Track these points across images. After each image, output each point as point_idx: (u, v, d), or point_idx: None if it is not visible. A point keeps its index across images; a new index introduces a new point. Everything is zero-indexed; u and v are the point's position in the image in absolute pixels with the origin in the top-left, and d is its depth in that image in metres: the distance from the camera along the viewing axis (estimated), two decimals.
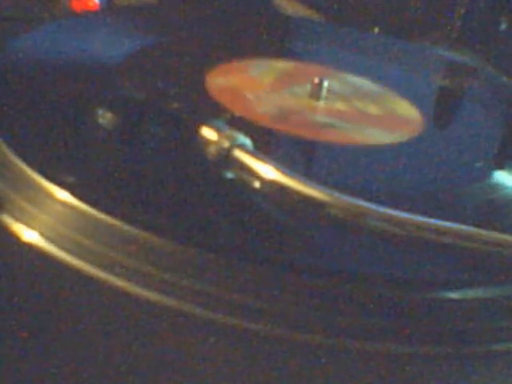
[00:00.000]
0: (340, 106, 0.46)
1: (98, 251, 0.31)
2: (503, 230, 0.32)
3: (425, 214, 0.32)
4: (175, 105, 0.39)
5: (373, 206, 0.32)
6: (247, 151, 0.34)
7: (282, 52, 0.56)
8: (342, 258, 0.33)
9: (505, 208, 0.39)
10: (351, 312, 0.31)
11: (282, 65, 0.51)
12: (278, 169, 0.33)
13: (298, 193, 0.32)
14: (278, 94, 0.47)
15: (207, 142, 0.35)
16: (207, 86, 0.45)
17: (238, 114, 0.42)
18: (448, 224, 0.32)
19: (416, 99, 0.49)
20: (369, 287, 0.31)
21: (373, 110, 0.46)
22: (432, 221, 0.31)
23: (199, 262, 0.31)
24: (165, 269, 0.31)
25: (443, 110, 0.52)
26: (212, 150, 0.35)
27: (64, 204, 0.33)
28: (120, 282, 0.31)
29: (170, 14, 0.57)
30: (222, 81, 0.46)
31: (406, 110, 0.47)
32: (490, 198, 0.39)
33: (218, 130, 0.35)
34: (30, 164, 0.34)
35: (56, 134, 0.37)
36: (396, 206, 0.32)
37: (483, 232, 0.32)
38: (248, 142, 0.35)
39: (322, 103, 0.46)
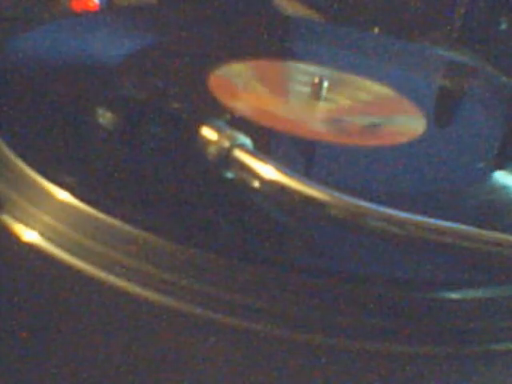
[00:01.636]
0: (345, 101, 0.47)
1: (98, 251, 0.31)
2: (503, 230, 0.32)
3: (425, 214, 0.32)
4: (175, 105, 0.39)
5: (373, 206, 0.32)
6: (247, 151, 0.34)
7: (282, 52, 0.56)
8: (342, 258, 0.33)
9: (505, 208, 0.39)
10: (351, 312, 0.31)
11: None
12: (278, 169, 0.33)
13: (298, 193, 0.32)
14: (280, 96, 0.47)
15: (207, 141, 0.35)
16: (207, 85, 0.45)
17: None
18: (448, 224, 0.32)
19: (416, 99, 0.49)
20: (369, 287, 0.31)
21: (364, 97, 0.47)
22: (432, 221, 0.31)
23: (199, 262, 0.31)
24: (165, 269, 0.31)
25: (443, 110, 0.52)
26: (212, 149, 0.35)
27: (64, 204, 0.33)
28: (120, 282, 0.31)
29: (170, 13, 0.57)
30: (223, 79, 0.46)
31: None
32: (489, 198, 0.39)
33: (218, 130, 0.35)
34: (30, 164, 0.34)
35: (56, 134, 0.37)
36: (396, 206, 0.32)
37: (483, 232, 0.32)
38: (248, 141, 0.35)
39: (324, 104, 0.46)
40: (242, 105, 0.44)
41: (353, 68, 0.52)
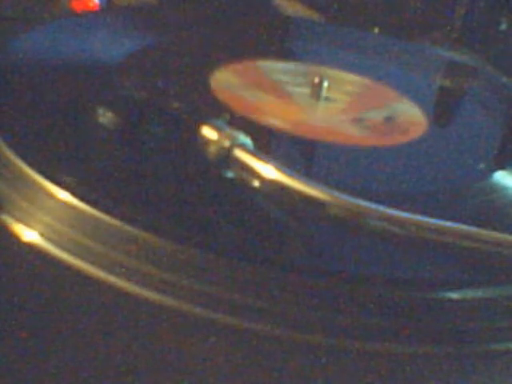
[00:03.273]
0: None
1: (98, 251, 0.31)
2: (503, 230, 0.32)
3: (425, 213, 0.32)
4: (175, 105, 0.39)
5: (373, 206, 0.32)
6: (248, 151, 0.34)
7: (282, 52, 0.56)
8: (342, 258, 0.33)
9: (505, 208, 0.39)
10: (351, 312, 0.31)
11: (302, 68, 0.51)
12: (278, 168, 0.33)
13: (298, 192, 0.32)
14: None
15: (208, 141, 0.35)
16: (208, 85, 0.45)
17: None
18: (448, 224, 0.32)
19: (416, 99, 0.49)
20: (369, 287, 0.31)
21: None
22: (432, 221, 0.31)
23: (199, 261, 0.31)
24: (165, 269, 0.31)
25: (443, 110, 0.52)
26: (212, 149, 0.35)
27: (64, 204, 0.33)
28: (120, 282, 0.31)
29: (170, 13, 0.57)
30: (224, 80, 0.46)
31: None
32: (489, 198, 0.39)
33: (218, 130, 0.35)
34: (30, 164, 0.34)
35: (56, 134, 0.37)
36: (396, 206, 0.32)
37: (483, 232, 0.32)
38: (248, 141, 0.35)
39: (323, 104, 0.46)
40: (246, 107, 0.44)
41: (353, 68, 0.52)
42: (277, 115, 0.44)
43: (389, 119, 0.45)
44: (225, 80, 0.47)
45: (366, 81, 0.50)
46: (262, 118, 0.43)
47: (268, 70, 0.50)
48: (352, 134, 0.43)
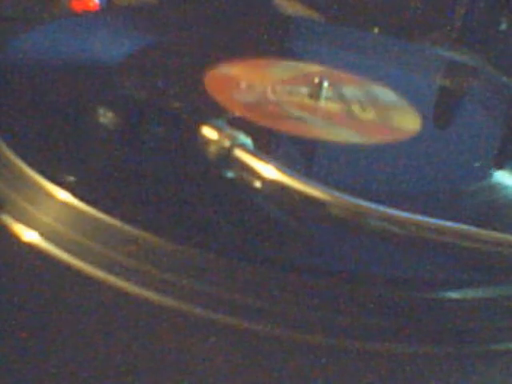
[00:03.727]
0: (333, 107, 0.46)
1: (98, 251, 0.31)
2: (503, 230, 0.32)
3: (425, 213, 0.32)
4: (175, 104, 0.39)
5: (373, 206, 0.32)
6: (248, 151, 0.34)
7: (282, 52, 0.56)
8: (342, 257, 0.33)
9: (505, 208, 0.39)
10: (351, 312, 0.31)
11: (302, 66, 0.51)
12: (278, 168, 0.33)
13: (298, 192, 0.32)
14: (274, 89, 0.47)
15: (208, 141, 0.35)
16: (207, 85, 0.45)
17: (217, 99, 0.42)
18: (448, 224, 0.32)
19: (416, 99, 0.49)
20: (369, 287, 0.31)
21: (368, 116, 0.46)
22: (432, 221, 0.31)
23: (199, 261, 0.31)
24: (165, 269, 0.31)
25: (443, 110, 0.52)
26: (212, 149, 0.35)
27: (64, 204, 0.33)
28: (120, 282, 0.31)
29: (170, 13, 0.57)
30: (221, 78, 0.46)
31: (406, 121, 0.47)
32: (489, 198, 0.39)
33: (218, 130, 0.35)
34: (30, 164, 0.34)
35: (56, 134, 0.37)
36: (396, 206, 0.32)
37: (483, 232, 0.32)
38: (249, 141, 0.35)
39: (313, 102, 0.46)
40: (246, 107, 0.44)
41: (353, 68, 0.52)
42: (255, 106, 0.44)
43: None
44: (226, 72, 0.47)
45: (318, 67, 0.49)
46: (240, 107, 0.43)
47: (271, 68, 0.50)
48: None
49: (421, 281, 0.32)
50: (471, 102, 0.53)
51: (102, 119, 0.38)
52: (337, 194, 0.32)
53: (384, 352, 0.30)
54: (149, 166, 0.36)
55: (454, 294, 0.32)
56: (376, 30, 0.66)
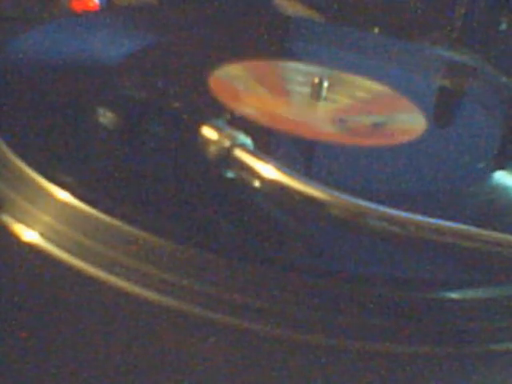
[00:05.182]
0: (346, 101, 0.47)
1: (98, 251, 0.31)
2: (503, 230, 0.32)
3: (425, 214, 0.32)
4: (175, 104, 0.39)
5: (373, 206, 0.32)
6: (248, 151, 0.34)
7: (282, 52, 0.56)
8: (342, 258, 0.33)
9: (505, 208, 0.39)
10: (351, 312, 0.31)
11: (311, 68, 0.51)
12: (278, 168, 0.33)
13: (298, 192, 0.32)
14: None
15: (208, 141, 0.35)
16: (208, 85, 0.45)
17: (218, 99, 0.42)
18: (448, 224, 0.32)
19: (416, 99, 0.49)
20: (369, 287, 0.31)
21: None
22: (432, 221, 0.31)
23: (199, 261, 0.31)
24: (165, 269, 0.31)
25: (443, 110, 0.52)
26: (212, 149, 0.34)
27: (64, 204, 0.33)
28: (120, 282, 0.31)
29: (170, 13, 0.57)
30: (224, 78, 0.46)
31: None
32: (489, 198, 0.39)
33: (218, 130, 0.35)
34: (30, 164, 0.34)
35: (56, 134, 0.37)
36: (396, 206, 0.32)
37: (483, 232, 0.32)
38: (249, 141, 0.35)
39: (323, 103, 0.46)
40: (246, 107, 0.44)
41: (353, 68, 0.52)
42: (251, 105, 0.44)
43: (376, 125, 0.45)
44: (234, 72, 0.47)
45: (386, 89, 0.50)
46: (232, 103, 0.43)
47: (286, 70, 0.50)
48: (326, 131, 0.43)
49: (421, 281, 0.32)
50: (471, 102, 0.53)
51: (101, 119, 0.38)
52: (337, 194, 0.32)
53: (384, 352, 0.30)
54: (149, 166, 0.36)
55: (453, 294, 0.32)
56: (376, 30, 0.66)
